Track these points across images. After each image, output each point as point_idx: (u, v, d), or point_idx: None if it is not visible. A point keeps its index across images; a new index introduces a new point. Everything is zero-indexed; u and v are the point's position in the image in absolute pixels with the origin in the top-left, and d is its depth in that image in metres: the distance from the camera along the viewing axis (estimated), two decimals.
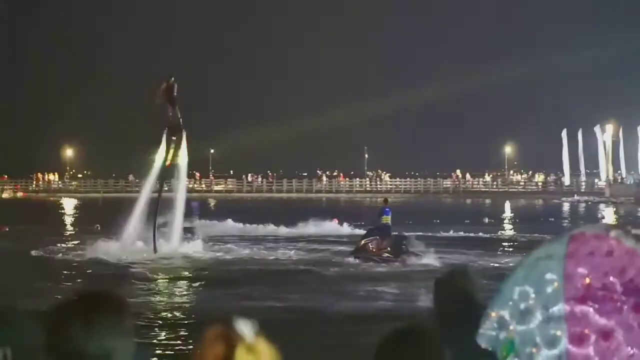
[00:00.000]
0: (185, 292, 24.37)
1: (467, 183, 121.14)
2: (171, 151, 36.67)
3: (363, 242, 32.98)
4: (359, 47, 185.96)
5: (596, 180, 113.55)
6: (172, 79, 35.93)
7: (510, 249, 35.73)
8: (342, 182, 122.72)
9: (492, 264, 29.44)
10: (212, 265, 30.24)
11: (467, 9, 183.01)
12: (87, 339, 2.35)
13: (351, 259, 32.33)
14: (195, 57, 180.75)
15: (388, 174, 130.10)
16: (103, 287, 2.53)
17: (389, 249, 31.95)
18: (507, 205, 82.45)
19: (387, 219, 33.20)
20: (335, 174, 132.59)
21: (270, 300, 21.66)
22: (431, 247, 32.17)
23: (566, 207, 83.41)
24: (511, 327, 3.44)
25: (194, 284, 25.81)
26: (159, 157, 36.90)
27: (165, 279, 27.32)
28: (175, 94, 35.86)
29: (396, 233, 33.59)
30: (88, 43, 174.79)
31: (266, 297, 22.45)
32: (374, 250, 32.15)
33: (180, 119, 36.43)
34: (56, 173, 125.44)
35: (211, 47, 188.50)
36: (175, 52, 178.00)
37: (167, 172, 37.15)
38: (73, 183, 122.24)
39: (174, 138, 36.66)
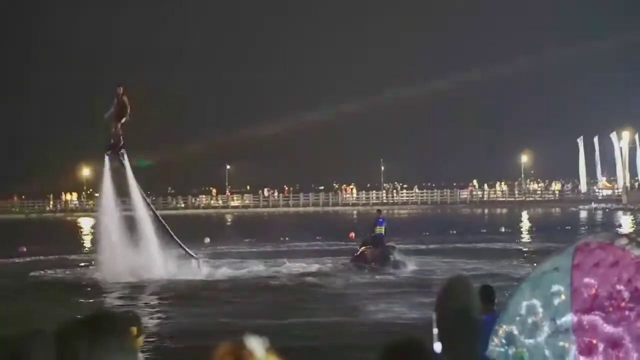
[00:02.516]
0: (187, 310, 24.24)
1: (484, 193, 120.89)
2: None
3: (361, 250, 34.02)
4: (372, 58, 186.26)
5: (595, 188, 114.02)
6: (120, 88, 33.21)
7: (525, 259, 35.61)
8: (347, 195, 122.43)
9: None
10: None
11: (476, 19, 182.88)
12: (89, 359, 2.37)
13: (351, 265, 33.57)
14: (204, 72, 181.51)
15: (405, 186, 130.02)
16: (107, 309, 2.55)
17: (377, 257, 33.14)
18: (524, 215, 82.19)
19: (381, 229, 34.10)
20: (351, 187, 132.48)
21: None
22: (441, 256, 32.79)
23: (583, 215, 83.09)
24: (520, 342, 3.45)
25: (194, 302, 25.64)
26: (106, 180, 34.84)
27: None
28: (122, 105, 33.08)
29: (392, 244, 34.68)
30: (104, 59, 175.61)
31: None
32: (369, 258, 33.32)
33: (121, 136, 33.74)
34: (74, 193, 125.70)
35: (224, 64, 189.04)
36: (196, 62, 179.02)
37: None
38: (90, 202, 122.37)
39: (109, 155, 34.27)
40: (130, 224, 34.04)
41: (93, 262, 34.41)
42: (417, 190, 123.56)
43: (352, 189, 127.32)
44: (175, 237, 34.27)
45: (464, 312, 4.24)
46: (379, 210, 37.97)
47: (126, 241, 33.05)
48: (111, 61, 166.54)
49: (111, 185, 34.64)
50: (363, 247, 34.09)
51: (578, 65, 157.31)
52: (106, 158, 34.33)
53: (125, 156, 34.22)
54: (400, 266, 32.77)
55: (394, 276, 30.92)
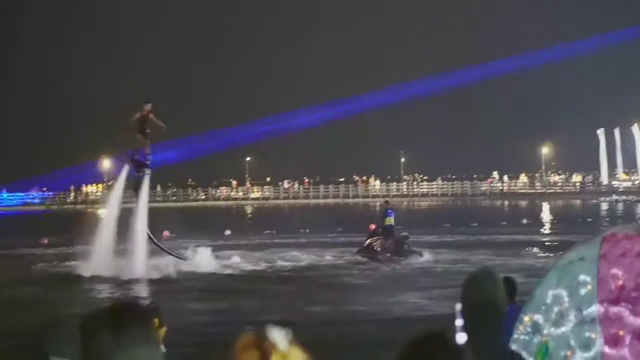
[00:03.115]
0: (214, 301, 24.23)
1: (504, 185, 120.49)
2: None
3: (369, 241, 34.50)
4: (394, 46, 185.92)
5: (614, 180, 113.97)
6: (149, 105, 33.37)
7: (546, 251, 35.48)
8: (370, 187, 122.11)
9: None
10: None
11: (494, 9, 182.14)
12: (114, 350, 2.36)
13: (358, 257, 34.00)
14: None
15: (425, 178, 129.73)
16: (131, 299, 2.55)
17: (390, 247, 33.64)
18: (545, 207, 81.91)
19: (390, 220, 34.69)
20: (373, 178, 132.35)
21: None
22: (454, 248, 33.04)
23: (604, 207, 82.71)
24: (545, 331, 3.43)
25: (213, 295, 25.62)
26: (118, 188, 34.91)
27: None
28: (150, 119, 33.24)
29: (405, 234, 35.13)
30: (132, 57, 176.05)
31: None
32: (378, 249, 33.83)
33: (149, 155, 33.77)
34: (94, 185, 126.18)
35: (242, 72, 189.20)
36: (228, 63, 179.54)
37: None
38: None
39: (138, 173, 33.94)
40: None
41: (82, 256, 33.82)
42: (438, 182, 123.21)
43: (375, 180, 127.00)
44: (160, 245, 33.76)
45: (490, 303, 4.22)
46: (386, 202, 38.62)
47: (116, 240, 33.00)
48: (134, 47, 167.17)
49: (121, 194, 34.84)
50: (370, 239, 34.49)
51: (599, 57, 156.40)
52: (125, 167, 34.38)
53: (147, 175, 34.03)
54: (416, 255, 33.16)
55: (411, 267, 31.09)
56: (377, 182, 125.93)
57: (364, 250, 34.35)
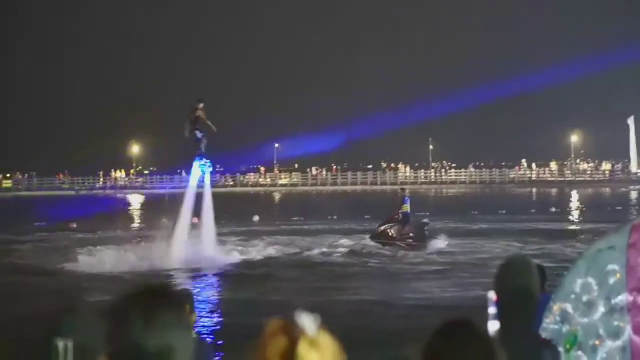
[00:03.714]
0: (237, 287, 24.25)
1: (533, 173, 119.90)
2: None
3: (382, 227, 34.60)
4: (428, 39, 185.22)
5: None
6: (201, 104, 33.93)
7: (575, 239, 35.30)
8: (400, 174, 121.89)
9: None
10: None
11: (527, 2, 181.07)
12: (147, 334, 2.36)
13: (370, 242, 34.30)
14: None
15: (453, 165, 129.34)
16: (163, 282, 2.55)
17: (411, 234, 33.76)
18: (574, 195, 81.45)
19: (406, 207, 34.80)
20: (399, 165, 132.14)
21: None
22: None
23: (634, 195, 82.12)
24: (574, 320, 3.43)
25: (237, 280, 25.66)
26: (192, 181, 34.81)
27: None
28: (201, 119, 33.78)
29: (425, 220, 35.76)
30: (159, 41, 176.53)
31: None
32: (394, 235, 33.90)
33: (202, 146, 34.28)
34: (122, 170, 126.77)
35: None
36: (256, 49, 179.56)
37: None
38: (139, 179, 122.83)
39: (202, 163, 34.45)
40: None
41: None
42: (468, 170, 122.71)
43: (404, 167, 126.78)
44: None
45: (524, 292, 4.20)
46: (402, 189, 38.74)
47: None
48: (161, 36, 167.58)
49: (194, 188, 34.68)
50: (385, 225, 34.65)
51: (628, 44, 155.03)
52: (195, 161, 34.53)
53: (207, 165, 34.58)
54: (436, 241, 33.48)
55: (435, 254, 31.11)
56: (407, 168, 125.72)
57: (378, 237, 34.51)
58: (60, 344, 2.99)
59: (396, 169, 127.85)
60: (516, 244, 33.34)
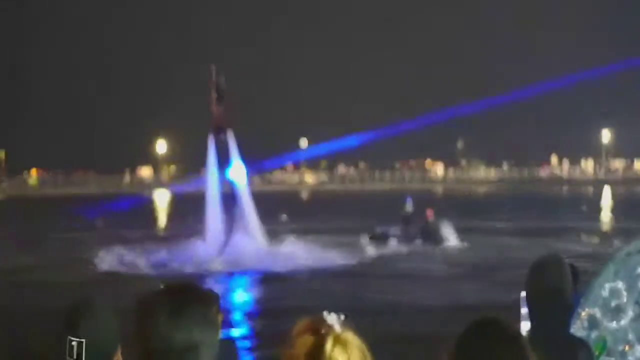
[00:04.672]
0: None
1: (564, 170, 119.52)
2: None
3: (383, 227, 35.28)
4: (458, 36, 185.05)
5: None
6: (214, 71, 33.24)
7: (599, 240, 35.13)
8: (425, 171, 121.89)
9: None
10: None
11: None
12: (174, 331, 2.40)
13: (367, 244, 33.78)
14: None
15: (482, 162, 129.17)
16: (191, 280, 2.59)
17: (418, 233, 34.25)
18: (606, 194, 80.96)
19: (409, 207, 36.03)
20: (427, 161, 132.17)
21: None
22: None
23: None
24: (603, 326, 3.37)
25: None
26: (210, 161, 33.94)
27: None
28: (219, 87, 33.06)
29: (431, 220, 35.41)
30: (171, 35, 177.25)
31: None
32: (397, 235, 34.43)
33: (222, 114, 33.44)
34: (150, 166, 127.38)
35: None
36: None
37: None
38: (165, 177, 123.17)
39: (221, 137, 33.62)
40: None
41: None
42: (501, 167, 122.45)
43: (434, 164, 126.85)
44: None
45: (556, 292, 4.15)
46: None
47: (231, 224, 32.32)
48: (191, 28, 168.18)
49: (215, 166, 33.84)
50: (390, 225, 35.21)
51: None
52: (210, 137, 33.85)
53: (229, 137, 33.73)
54: (447, 241, 33.80)
55: (457, 254, 31.24)
56: (440, 166, 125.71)
57: (378, 236, 34.68)
58: (75, 342, 3.00)
59: (430, 165, 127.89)
60: (545, 242, 33.19)
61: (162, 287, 2.54)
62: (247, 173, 34.53)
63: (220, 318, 7.33)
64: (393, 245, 33.43)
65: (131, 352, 2.48)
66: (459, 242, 33.73)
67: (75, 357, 3.01)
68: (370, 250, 32.98)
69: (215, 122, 33.65)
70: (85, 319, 3.13)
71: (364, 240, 34.32)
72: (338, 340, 2.30)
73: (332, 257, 30.95)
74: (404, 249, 32.83)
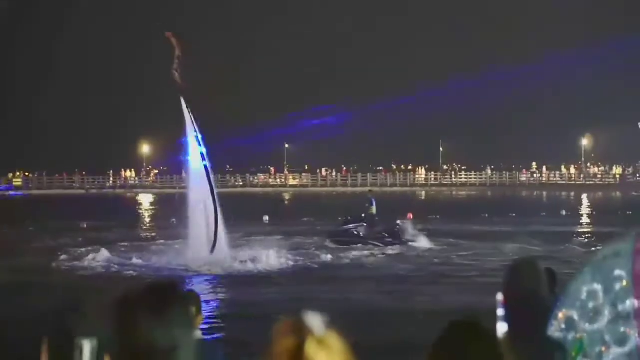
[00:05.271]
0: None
1: (543, 176, 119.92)
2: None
3: (346, 227, 35.72)
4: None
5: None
6: (169, 33, 32.28)
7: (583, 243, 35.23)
8: (418, 176, 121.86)
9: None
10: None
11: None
12: (153, 328, 2.35)
13: (329, 243, 34.79)
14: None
15: (464, 167, 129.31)
16: (172, 278, 2.54)
17: (385, 234, 35.12)
18: (585, 199, 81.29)
19: (373, 208, 36.51)
20: (409, 167, 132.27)
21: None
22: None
23: None
24: (580, 327, 3.42)
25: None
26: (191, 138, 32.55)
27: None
28: (176, 52, 31.94)
29: (398, 222, 36.44)
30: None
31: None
32: (362, 235, 35.08)
33: (178, 79, 32.18)
34: (133, 169, 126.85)
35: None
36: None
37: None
38: (149, 179, 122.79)
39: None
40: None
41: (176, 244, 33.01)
42: (480, 172, 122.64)
43: (421, 169, 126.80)
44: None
45: (533, 294, 4.21)
46: (370, 190, 41.69)
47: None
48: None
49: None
50: (350, 226, 35.66)
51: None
52: (182, 100, 32.69)
53: (183, 102, 32.54)
54: (418, 242, 34.70)
55: (436, 258, 31.40)
56: (423, 170, 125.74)
57: (340, 236, 35.16)
58: (87, 344, 2.94)
59: (407, 170, 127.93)
60: (526, 247, 33.28)
61: (142, 285, 2.49)
62: (206, 154, 32.83)
63: (200, 318, 7.31)
64: (356, 246, 33.89)
65: (113, 352, 2.46)
66: (427, 244, 34.52)
67: (89, 358, 2.95)
68: (330, 252, 32.89)
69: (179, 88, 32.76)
70: (82, 320, 3.11)
71: (328, 241, 34.93)
72: (320, 341, 2.27)
73: (293, 259, 30.85)
74: (365, 250, 33.24)
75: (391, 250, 33.27)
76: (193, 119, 32.24)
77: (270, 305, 19.95)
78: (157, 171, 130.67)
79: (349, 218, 36.93)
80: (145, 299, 2.42)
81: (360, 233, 35.22)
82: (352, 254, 32.37)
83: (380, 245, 34.17)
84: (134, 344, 2.35)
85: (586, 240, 37.15)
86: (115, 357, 2.44)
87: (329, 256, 31.59)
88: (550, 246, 32.95)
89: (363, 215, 36.66)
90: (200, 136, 32.40)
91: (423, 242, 34.76)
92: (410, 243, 34.54)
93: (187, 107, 32.36)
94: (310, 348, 2.26)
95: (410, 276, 26.48)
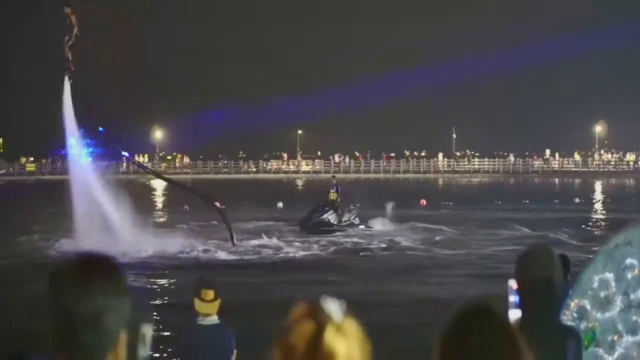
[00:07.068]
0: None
1: (557, 163, 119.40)
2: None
3: (319, 216, 35.62)
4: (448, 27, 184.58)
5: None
6: (68, 8, 31.07)
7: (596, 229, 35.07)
8: (439, 162, 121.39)
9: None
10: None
11: None
12: (80, 300, 2.34)
13: (303, 232, 34.30)
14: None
15: (477, 154, 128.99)
16: (101, 252, 2.50)
17: (352, 219, 36.07)
18: (598, 186, 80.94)
19: (335, 194, 36.69)
20: (423, 154, 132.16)
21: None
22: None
23: None
24: (592, 316, 3.41)
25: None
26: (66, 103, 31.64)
27: None
28: (70, 25, 31.07)
29: (356, 205, 37.46)
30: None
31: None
32: (334, 223, 35.50)
33: (68, 58, 31.31)
34: (146, 155, 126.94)
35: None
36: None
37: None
38: (162, 164, 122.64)
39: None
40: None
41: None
42: (488, 159, 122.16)
43: (440, 155, 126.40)
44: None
45: (545, 280, 4.19)
46: (333, 176, 42.05)
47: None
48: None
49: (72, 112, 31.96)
50: (323, 215, 35.64)
51: None
52: (66, 79, 32.13)
53: (67, 81, 31.94)
54: (376, 224, 35.95)
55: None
56: (440, 156, 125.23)
57: (315, 226, 34.62)
58: (148, 328, 2.88)
59: (420, 157, 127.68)
60: (535, 233, 33.14)
61: (72, 258, 2.45)
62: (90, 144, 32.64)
63: (217, 303, 7.28)
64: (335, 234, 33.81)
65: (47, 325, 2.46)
66: (381, 226, 35.56)
67: (147, 344, 2.88)
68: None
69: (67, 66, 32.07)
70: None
71: (303, 233, 34.16)
72: (339, 330, 2.21)
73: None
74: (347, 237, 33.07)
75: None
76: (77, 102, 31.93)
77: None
78: (170, 157, 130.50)
79: (316, 207, 36.58)
80: (69, 270, 2.42)
81: (332, 220, 35.48)
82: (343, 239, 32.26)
83: (344, 229, 34.71)
84: (60, 315, 2.36)
85: (598, 227, 36.93)
86: (51, 326, 2.44)
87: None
88: (563, 233, 32.73)
89: (327, 201, 36.65)
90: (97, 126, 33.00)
91: (378, 226, 35.78)
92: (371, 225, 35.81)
93: (70, 89, 31.91)
94: (329, 335, 2.20)
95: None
